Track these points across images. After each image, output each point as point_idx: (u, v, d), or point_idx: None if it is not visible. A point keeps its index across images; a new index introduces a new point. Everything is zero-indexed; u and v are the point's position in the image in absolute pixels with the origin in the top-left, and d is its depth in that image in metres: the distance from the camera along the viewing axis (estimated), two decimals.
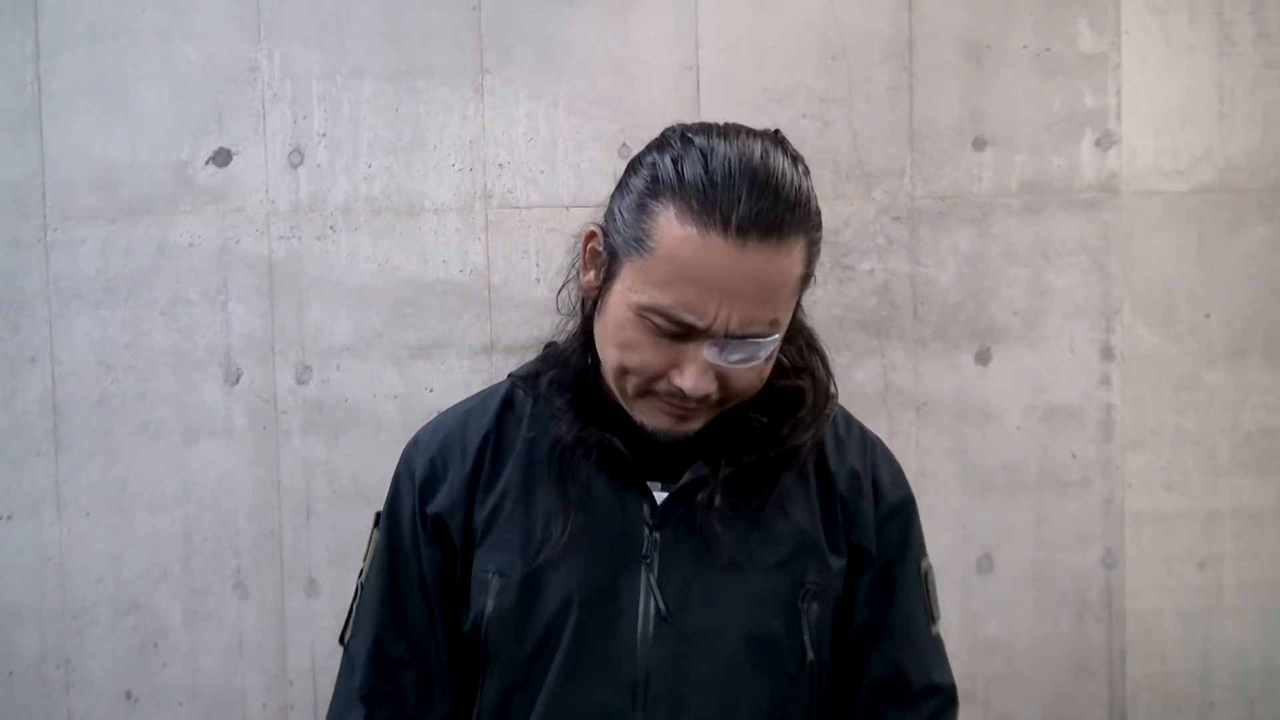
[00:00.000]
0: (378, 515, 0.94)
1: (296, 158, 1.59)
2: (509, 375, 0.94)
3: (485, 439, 0.89)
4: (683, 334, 0.76)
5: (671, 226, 0.74)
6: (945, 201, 1.61)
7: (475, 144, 1.59)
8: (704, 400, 0.78)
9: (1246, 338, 1.63)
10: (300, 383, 1.60)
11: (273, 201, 1.60)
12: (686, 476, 0.85)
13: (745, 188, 0.72)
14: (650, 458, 0.85)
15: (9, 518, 1.61)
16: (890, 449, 0.99)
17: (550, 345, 0.94)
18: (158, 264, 1.59)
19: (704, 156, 0.74)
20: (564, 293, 0.90)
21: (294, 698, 1.62)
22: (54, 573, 1.61)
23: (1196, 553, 1.63)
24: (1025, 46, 1.60)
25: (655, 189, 0.76)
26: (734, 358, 0.76)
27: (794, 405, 0.88)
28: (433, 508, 0.89)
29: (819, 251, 0.79)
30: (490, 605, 0.84)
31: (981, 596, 1.63)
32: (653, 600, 0.82)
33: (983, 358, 1.61)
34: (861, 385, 1.59)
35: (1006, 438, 1.62)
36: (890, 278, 1.61)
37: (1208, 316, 1.62)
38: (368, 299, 1.59)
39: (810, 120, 1.60)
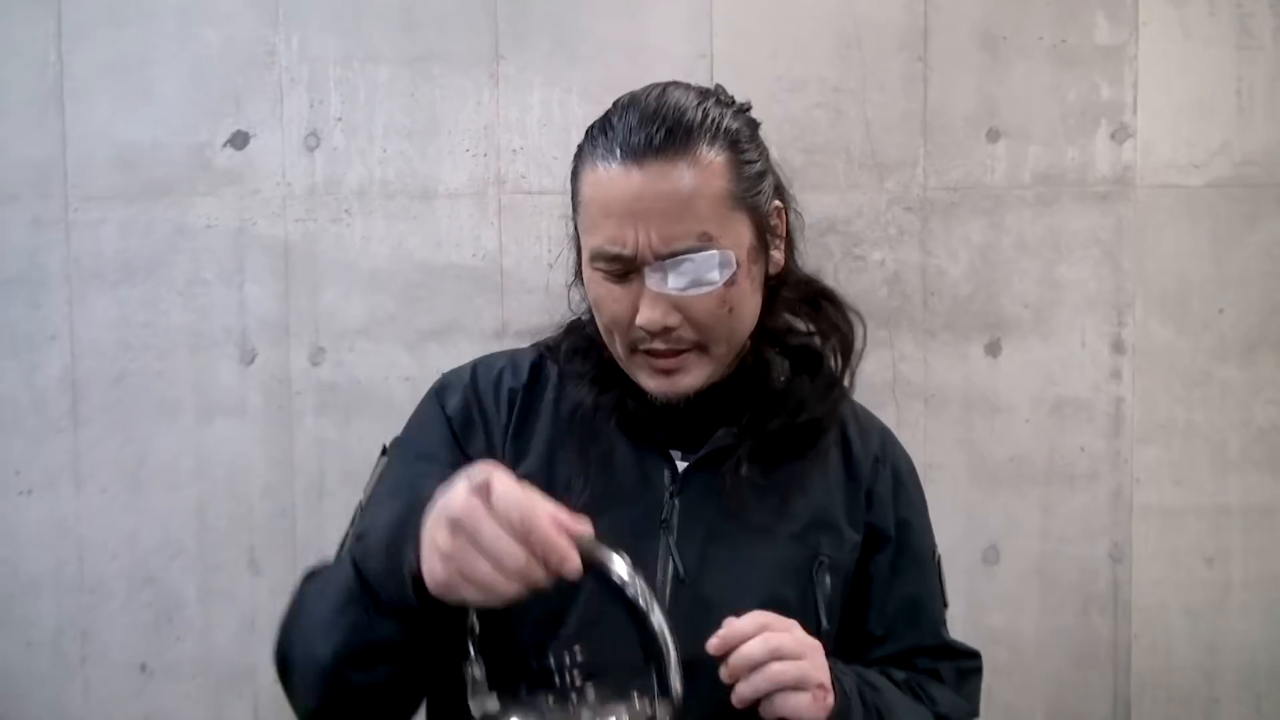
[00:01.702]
0: (384, 447, 0.94)
1: (313, 141, 1.61)
2: (535, 344, 0.95)
3: (513, 400, 0.90)
4: (622, 270, 0.79)
5: (586, 175, 0.81)
6: (958, 193, 1.61)
7: (489, 130, 1.60)
8: (666, 335, 0.80)
9: (1260, 333, 1.62)
10: (314, 364, 1.62)
11: (289, 184, 1.61)
12: (708, 446, 0.86)
13: (635, 119, 0.78)
14: (674, 427, 0.86)
15: (28, 492, 1.64)
16: (898, 439, 1.00)
17: (575, 321, 0.95)
18: (176, 245, 1.62)
19: (609, 111, 0.82)
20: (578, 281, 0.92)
21: None
22: (72, 547, 1.64)
23: (1205, 548, 1.63)
24: (1041, 38, 1.59)
25: (578, 155, 0.83)
26: (679, 282, 0.78)
27: (813, 368, 0.90)
28: (471, 450, 0.88)
29: (750, 167, 0.82)
30: None
31: (987, 588, 1.63)
32: (671, 564, 0.83)
33: (992, 349, 1.61)
34: (870, 375, 1.59)
35: (1015, 430, 1.62)
36: (901, 268, 1.61)
37: (1221, 311, 1.61)
38: (381, 282, 1.61)
39: (823, 110, 1.60)
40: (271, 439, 1.62)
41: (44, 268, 1.62)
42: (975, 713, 0.96)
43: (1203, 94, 1.60)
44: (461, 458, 0.87)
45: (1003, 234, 1.61)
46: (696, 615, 0.81)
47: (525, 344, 0.97)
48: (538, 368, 0.93)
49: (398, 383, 1.60)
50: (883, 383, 1.60)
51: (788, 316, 0.90)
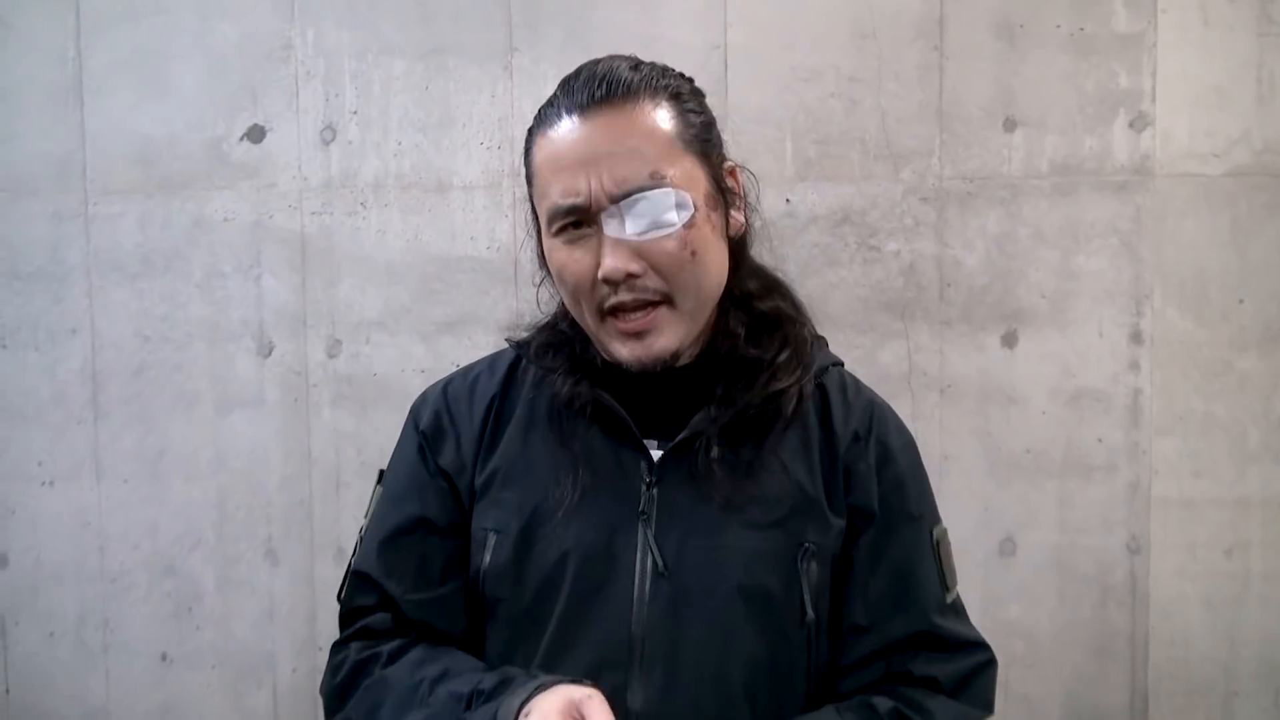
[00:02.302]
0: (381, 473, 0.96)
1: (329, 134, 1.62)
2: (507, 340, 0.95)
3: (491, 403, 0.91)
4: (579, 223, 0.80)
5: (536, 148, 0.83)
6: (974, 183, 1.60)
7: (503, 122, 1.61)
8: (631, 285, 0.79)
9: None
10: (330, 356, 1.63)
11: (305, 178, 1.62)
12: (684, 432, 0.85)
13: (580, 82, 0.81)
14: (648, 417, 0.86)
15: (50, 483, 1.66)
16: (912, 430, 0.97)
17: (548, 320, 0.95)
18: (193, 238, 1.63)
19: (556, 89, 0.84)
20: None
21: (323, 662, 1.64)
22: (93, 537, 1.66)
23: (1223, 539, 1.62)
24: (1059, 26, 1.58)
25: (527, 138, 0.85)
26: (637, 226, 0.78)
27: (780, 336, 0.89)
28: (442, 461, 0.90)
29: (703, 122, 0.83)
30: (487, 560, 0.85)
31: (1003, 580, 1.62)
32: (650, 556, 0.82)
33: (1009, 340, 1.61)
34: (886, 366, 1.59)
35: (1031, 421, 1.61)
36: (916, 259, 1.60)
37: (1241, 302, 1.60)
38: (397, 275, 1.62)
39: (838, 100, 1.59)
40: (289, 430, 1.64)
41: (64, 262, 1.64)
42: (989, 710, 0.89)
43: (1223, 82, 1.59)
44: (433, 468, 0.90)
45: (1020, 224, 1.60)
46: (676, 607, 0.82)
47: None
48: (514, 367, 0.93)
49: (413, 374, 1.61)
50: (898, 374, 1.60)
51: (751, 282, 0.90)
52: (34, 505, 1.66)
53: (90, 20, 1.62)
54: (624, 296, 0.80)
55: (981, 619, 1.61)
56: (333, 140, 1.62)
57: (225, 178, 1.62)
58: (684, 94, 0.84)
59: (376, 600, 0.89)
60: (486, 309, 1.61)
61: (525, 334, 0.94)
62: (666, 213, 0.78)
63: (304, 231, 1.62)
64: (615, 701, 0.74)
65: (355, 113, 1.61)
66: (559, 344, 0.90)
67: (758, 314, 0.89)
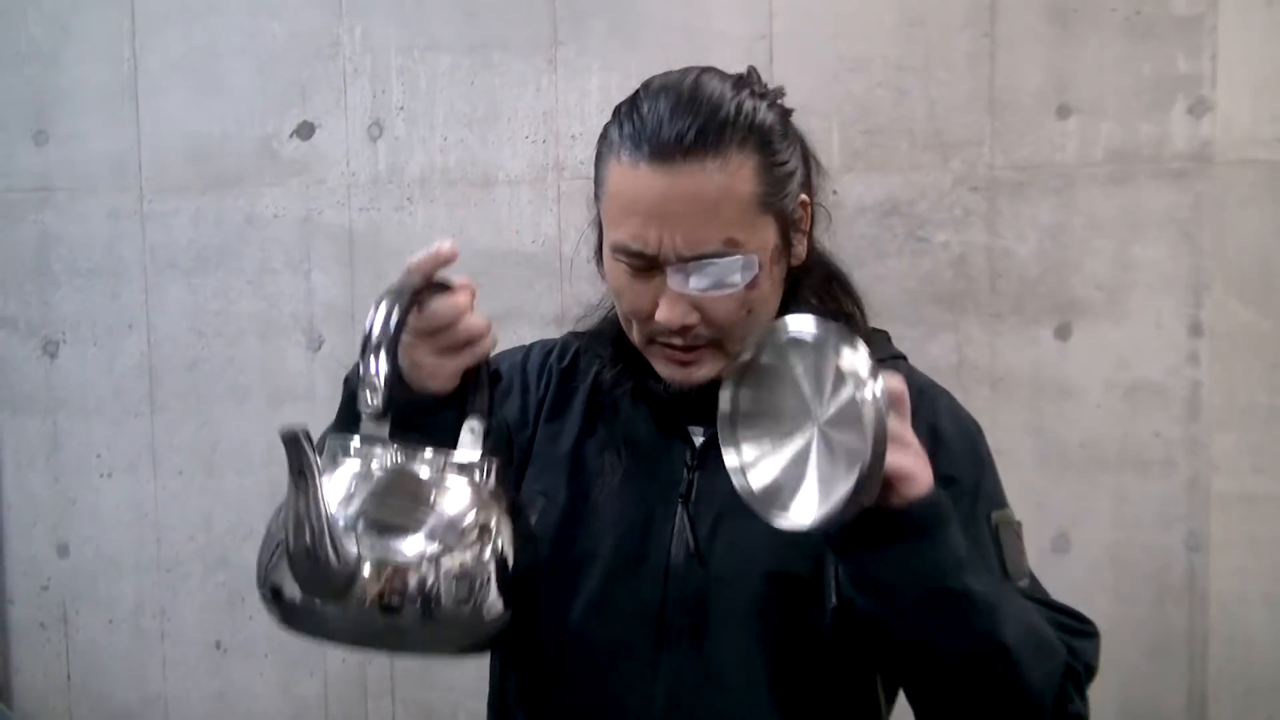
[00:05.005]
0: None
1: (376, 130, 1.63)
2: (570, 333, 0.98)
3: (555, 374, 0.94)
4: (645, 266, 0.78)
5: (611, 165, 0.79)
6: (1026, 172, 1.56)
7: (548, 116, 1.61)
8: (684, 333, 0.80)
9: None
10: None
11: (353, 174, 1.64)
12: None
13: (667, 112, 0.76)
14: (693, 402, 0.86)
15: (109, 475, 1.70)
16: (953, 398, 0.95)
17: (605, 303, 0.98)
18: (245, 234, 1.66)
19: (639, 96, 0.79)
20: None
21: (371, 654, 1.68)
22: (150, 528, 1.70)
23: None
24: (1114, 9, 1.54)
25: (603, 137, 0.81)
26: (701, 284, 0.77)
27: None
28: (505, 411, 0.92)
29: (787, 174, 0.80)
30: (534, 520, 0.86)
31: (1057, 576, 1.57)
32: (685, 538, 0.84)
33: (1062, 333, 1.57)
34: (935, 359, 1.57)
35: (1086, 415, 1.57)
36: (967, 250, 1.57)
37: None
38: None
39: (886, 89, 1.57)
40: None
41: (121, 258, 1.68)
42: (1094, 670, 0.87)
43: None
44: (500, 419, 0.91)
45: (1074, 214, 1.56)
46: (706, 589, 0.83)
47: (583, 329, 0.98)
48: (579, 353, 0.95)
49: None
50: (948, 367, 1.57)
51: (810, 300, 0.89)
52: (93, 496, 1.70)
53: (144, 22, 1.65)
54: (675, 340, 0.81)
55: None
56: (380, 136, 1.63)
57: (275, 174, 1.65)
58: (775, 136, 0.80)
59: None
60: (531, 303, 1.62)
61: (583, 324, 0.96)
62: (732, 275, 0.78)
63: (352, 227, 1.64)
64: (642, 679, 0.79)
65: (402, 108, 1.63)
66: (610, 333, 0.91)
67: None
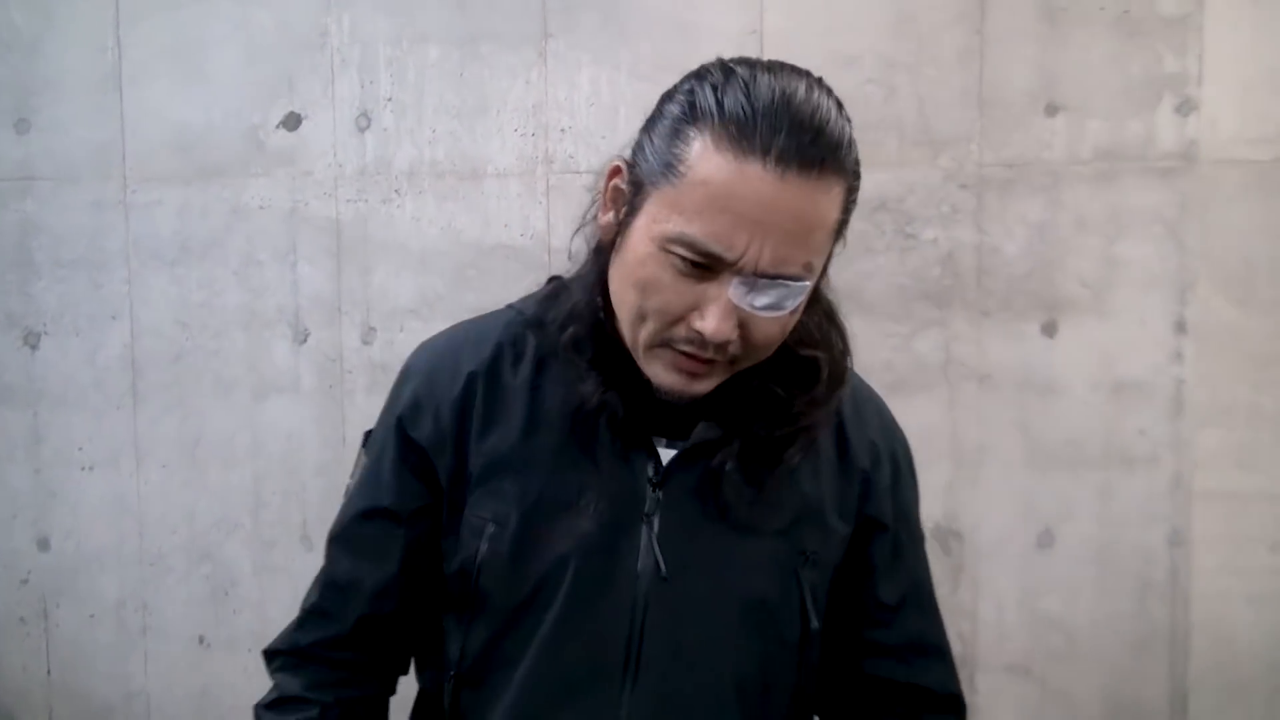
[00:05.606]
0: (366, 434, 0.93)
1: (364, 122, 1.62)
2: (510, 307, 0.90)
3: (478, 377, 0.85)
4: (708, 269, 0.71)
5: (707, 152, 0.70)
6: (1014, 169, 1.57)
7: (538, 109, 1.60)
8: (722, 350, 0.74)
9: None
10: (365, 343, 1.64)
11: (340, 165, 1.63)
12: (695, 437, 0.82)
13: (787, 121, 0.69)
14: (657, 413, 0.82)
15: (91, 468, 1.68)
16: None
17: (555, 279, 0.90)
18: (230, 225, 1.64)
19: (745, 86, 0.71)
20: (578, 238, 0.86)
21: None
22: (133, 521, 1.68)
23: (1269, 534, 1.58)
24: (1103, 8, 1.55)
25: (692, 114, 0.72)
26: (761, 302, 0.72)
27: (809, 378, 0.83)
28: (417, 435, 0.85)
29: (854, 204, 0.76)
30: (485, 549, 0.81)
31: (1041, 572, 1.60)
32: (652, 559, 0.80)
33: (1049, 329, 1.58)
34: (922, 356, 1.57)
35: (1071, 411, 1.58)
36: (954, 247, 1.58)
37: None
38: (431, 262, 1.62)
39: (876, 85, 1.57)
40: (324, 417, 1.65)
41: (104, 249, 1.66)
42: None
43: (1273, 64, 1.54)
44: (413, 445, 0.86)
45: (1061, 211, 1.57)
46: (675, 612, 0.80)
47: None
48: (508, 338, 0.87)
49: None
50: (935, 363, 1.58)
51: (815, 334, 0.85)
52: (75, 489, 1.68)
53: (129, 10, 1.63)
54: (704, 353, 0.75)
55: (1018, 612, 1.60)
56: (368, 127, 1.62)
57: (262, 165, 1.63)
58: (857, 176, 0.75)
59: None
60: (519, 296, 1.61)
61: (533, 306, 0.88)
62: (793, 299, 0.74)
63: (339, 219, 1.63)
64: (607, 706, 0.77)
65: (390, 100, 1.62)
66: (587, 336, 0.83)
67: (795, 358, 0.83)
